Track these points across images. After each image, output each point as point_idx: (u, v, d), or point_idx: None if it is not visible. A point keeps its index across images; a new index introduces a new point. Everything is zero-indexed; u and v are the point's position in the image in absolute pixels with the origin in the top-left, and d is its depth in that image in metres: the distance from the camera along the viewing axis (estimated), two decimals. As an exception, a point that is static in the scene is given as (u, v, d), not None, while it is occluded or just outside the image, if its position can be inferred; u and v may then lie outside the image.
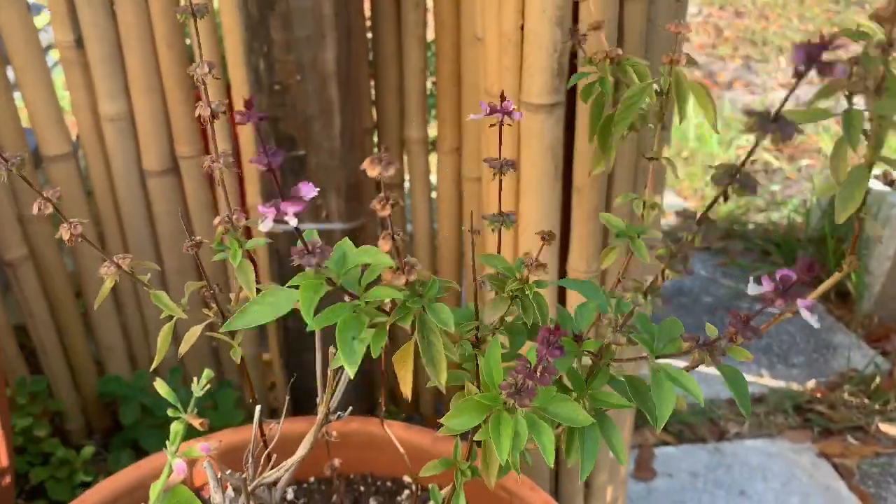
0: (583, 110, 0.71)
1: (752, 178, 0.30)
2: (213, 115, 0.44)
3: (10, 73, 1.01)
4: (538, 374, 0.36)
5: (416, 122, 1.07)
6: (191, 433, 1.17)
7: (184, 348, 0.46)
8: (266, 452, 0.51)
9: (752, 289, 0.36)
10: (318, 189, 0.42)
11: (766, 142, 0.29)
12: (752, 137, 0.29)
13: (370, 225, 1.07)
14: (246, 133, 1.02)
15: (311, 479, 0.74)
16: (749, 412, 0.40)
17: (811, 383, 1.40)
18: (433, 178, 1.15)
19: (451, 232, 1.13)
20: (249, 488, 0.47)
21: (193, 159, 1.05)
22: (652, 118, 0.50)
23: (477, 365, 0.48)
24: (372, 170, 0.35)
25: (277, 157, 0.36)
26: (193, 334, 0.46)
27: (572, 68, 0.71)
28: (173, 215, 1.08)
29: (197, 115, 0.44)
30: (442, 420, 0.41)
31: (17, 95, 1.04)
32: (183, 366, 1.16)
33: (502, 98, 0.44)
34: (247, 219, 0.46)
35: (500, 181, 0.45)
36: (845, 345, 1.49)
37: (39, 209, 0.44)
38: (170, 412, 0.31)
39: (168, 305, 0.45)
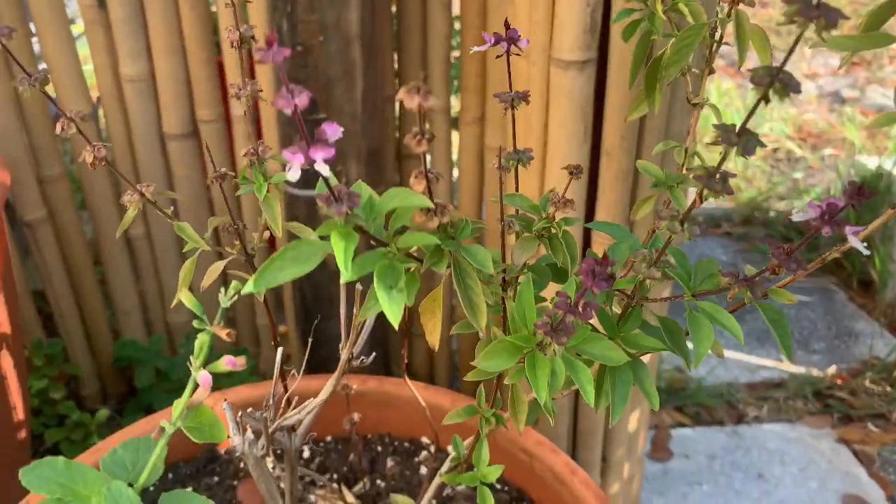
0: (617, 66, 0.69)
1: (795, 78, 0.28)
2: (241, 41, 0.43)
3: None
4: (580, 308, 0.34)
5: (439, 91, 1.05)
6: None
7: (206, 282, 0.45)
8: (286, 397, 0.50)
9: (797, 216, 0.34)
10: (338, 154, 0.40)
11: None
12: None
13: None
14: (266, 94, 1.01)
15: (328, 437, 0.73)
16: (791, 355, 0.38)
17: (832, 369, 1.37)
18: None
19: (471, 207, 1.12)
20: (270, 430, 0.46)
21: (214, 123, 1.05)
22: (698, 62, 0.48)
23: (504, 309, 0.46)
24: (409, 100, 0.33)
25: (303, 96, 0.34)
26: (216, 269, 0.45)
27: (605, 25, 0.69)
28: (192, 180, 1.08)
29: (227, 39, 0.43)
30: (474, 363, 0.40)
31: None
32: (198, 333, 1.16)
33: (507, 26, 0.42)
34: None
35: (513, 117, 0.43)
36: (867, 333, 1.46)
37: (63, 129, 0.43)
38: (196, 324, 0.30)
39: (192, 237, 0.44)
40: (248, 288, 0.31)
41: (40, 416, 1.09)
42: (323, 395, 0.48)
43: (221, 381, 1.10)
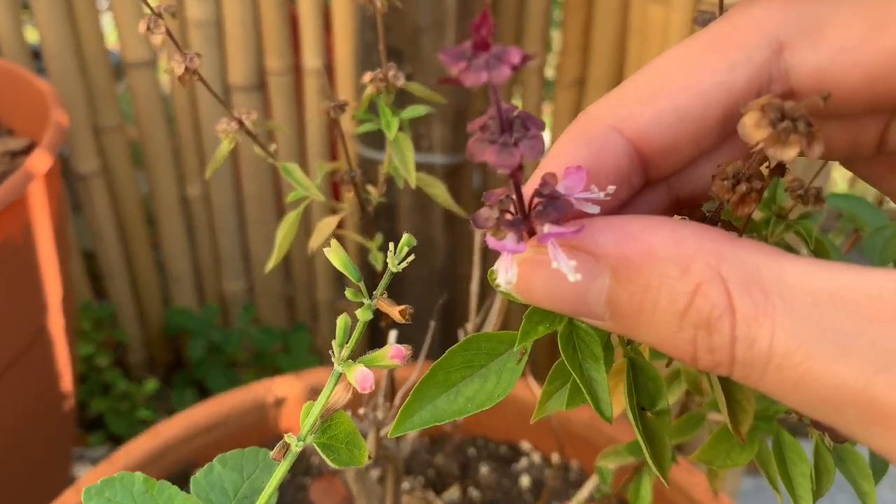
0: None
1: None
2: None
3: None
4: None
5: (535, 44, 0.94)
6: (260, 374, 1.07)
7: (315, 242, 0.35)
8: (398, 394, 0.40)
9: None
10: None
11: None
12: None
13: (467, 166, 0.96)
14: (341, 45, 0.91)
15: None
16: None
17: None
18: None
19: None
20: (381, 434, 0.36)
21: (283, 76, 0.95)
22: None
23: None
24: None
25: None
26: (327, 226, 0.35)
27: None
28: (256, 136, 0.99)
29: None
30: (694, 458, 0.30)
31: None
32: (256, 306, 1.07)
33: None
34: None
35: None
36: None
37: (149, 28, 0.33)
38: (349, 294, 0.20)
39: (302, 182, 0.35)
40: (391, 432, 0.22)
41: (85, 384, 1.02)
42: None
43: (278, 359, 1.01)
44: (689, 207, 0.21)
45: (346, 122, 0.85)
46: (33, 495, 0.71)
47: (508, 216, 0.17)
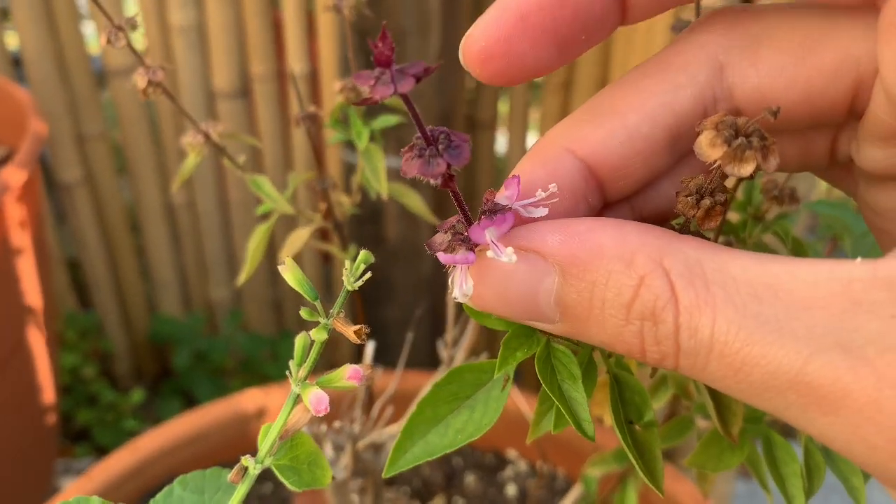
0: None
1: None
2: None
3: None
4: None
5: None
6: (248, 381, 1.06)
7: (287, 252, 0.35)
8: (379, 404, 0.39)
9: None
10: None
11: None
12: None
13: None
14: (326, 50, 0.91)
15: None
16: None
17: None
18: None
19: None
20: (359, 445, 0.36)
21: (267, 83, 0.94)
22: None
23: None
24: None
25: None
26: (299, 238, 0.35)
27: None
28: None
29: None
30: (688, 463, 0.30)
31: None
32: (243, 313, 1.06)
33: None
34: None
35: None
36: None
37: (109, 40, 0.32)
38: (304, 313, 0.19)
39: (271, 194, 0.34)
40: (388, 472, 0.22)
41: (71, 395, 1.01)
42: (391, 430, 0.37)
43: (266, 367, 1.00)
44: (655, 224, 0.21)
45: (327, 130, 0.85)
46: (15, 509, 0.70)
47: (460, 237, 0.18)
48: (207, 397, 1.00)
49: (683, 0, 0.21)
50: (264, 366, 1.01)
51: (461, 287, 0.19)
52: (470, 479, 0.59)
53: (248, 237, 1.03)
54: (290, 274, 0.19)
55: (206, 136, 0.35)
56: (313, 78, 0.95)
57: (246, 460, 0.20)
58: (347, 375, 0.20)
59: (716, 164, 0.15)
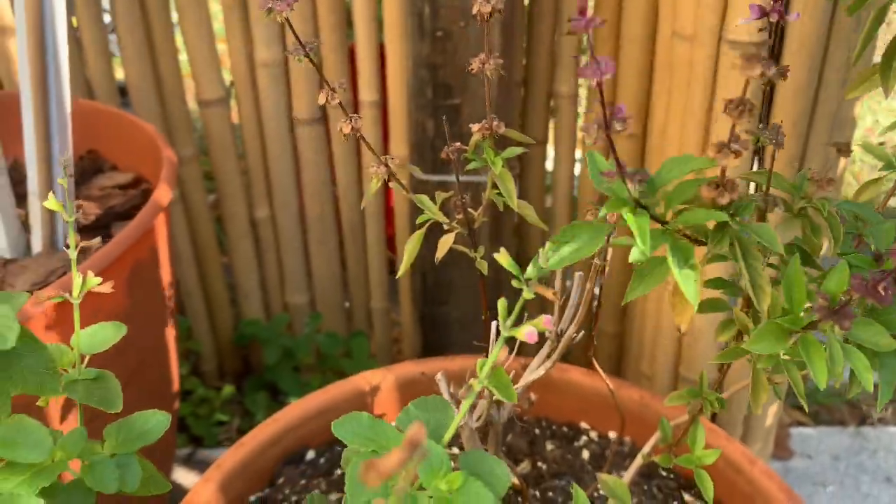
0: (796, 49, 0.67)
1: None
2: (490, 13, 0.43)
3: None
4: (881, 290, 0.33)
5: (567, 76, 1.04)
6: (325, 376, 1.17)
7: (441, 251, 0.45)
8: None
9: None
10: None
11: None
12: None
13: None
14: (395, 82, 1.02)
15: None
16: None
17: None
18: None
19: (593, 201, 1.11)
20: (484, 403, 0.46)
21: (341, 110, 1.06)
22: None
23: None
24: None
25: (609, 66, 0.33)
26: (446, 242, 0.46)
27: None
28: (318, 164, 1.10)
29: (476, 11, 0.44)
30: (745, 346, 0.39)
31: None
32: (319, 316, 1.18)
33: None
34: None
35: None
36: None
37: (327, 99, 0.43)
38: (517, 283, 0.30)
39: (430, 208, 0.45)
40: (553, 264, 0.31)
41: (167, 391, 1.13)
42: (542, 371, 0.48)
43: (342, 363, 1.11)
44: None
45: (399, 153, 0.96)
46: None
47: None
48: (291, 390, 1.11)
49: None
50: (340, 362, 1.12)
51: None
52: (550, 447, 0.70)
53: (323, 250, 1.14)
54: (503, 259, 0.30)
55: (386, 166, 0.46)
56: (383, 107, 1.07)
57: (473, 381, 0.31)
58: (543, 322, 0.31)
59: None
